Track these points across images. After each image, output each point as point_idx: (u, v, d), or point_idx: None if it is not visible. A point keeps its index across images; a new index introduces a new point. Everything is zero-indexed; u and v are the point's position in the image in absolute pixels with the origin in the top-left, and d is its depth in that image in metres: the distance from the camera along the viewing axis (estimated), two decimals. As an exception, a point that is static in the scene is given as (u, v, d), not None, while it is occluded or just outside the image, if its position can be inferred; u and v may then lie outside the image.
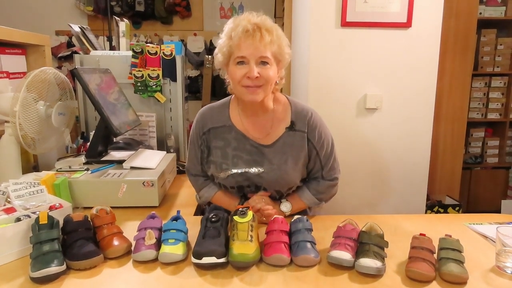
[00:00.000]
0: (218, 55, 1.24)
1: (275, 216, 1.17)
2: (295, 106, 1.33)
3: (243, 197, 1.37)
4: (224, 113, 1.33)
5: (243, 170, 1.29)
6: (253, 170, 1.29)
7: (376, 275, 0.97)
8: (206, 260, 0.98)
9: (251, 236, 1.04)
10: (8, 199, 1.22)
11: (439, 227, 1.28)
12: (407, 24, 1.92)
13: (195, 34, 4.41)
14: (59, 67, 4.29)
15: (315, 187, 1.36)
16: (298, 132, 1.30)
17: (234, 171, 1.30)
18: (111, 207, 1.18)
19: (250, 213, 1.08)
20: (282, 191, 1.34)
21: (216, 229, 1.07)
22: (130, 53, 2.08)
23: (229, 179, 1.31)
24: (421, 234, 1.06)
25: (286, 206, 1.34)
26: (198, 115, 1.37)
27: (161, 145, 2.14)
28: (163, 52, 2.10)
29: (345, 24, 1.91)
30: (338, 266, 1.01)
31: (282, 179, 1.29)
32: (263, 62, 1.18)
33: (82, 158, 1.65)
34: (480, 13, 3.28)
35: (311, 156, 1.32)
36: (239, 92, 1.24)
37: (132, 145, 1.90)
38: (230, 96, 1.38)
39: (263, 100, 1.25)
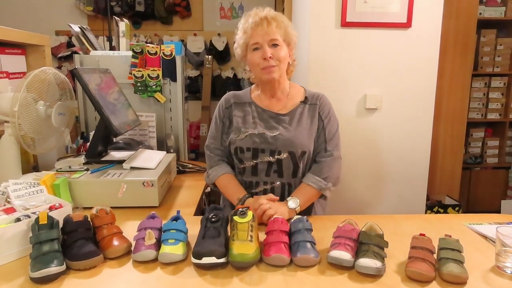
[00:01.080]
0: (238, 49, 1.44)
1: (274, 216, 1.17)
2: (309, 90, 1.52)
3: (248, 186, 1.44)
4: (246, 95, 1.53)
5: (261, 131, 1.42)
6: (270, 133, 1.42)
7: (376, 275, 0.97)
8: (206, 260, 0.98)
9: (251, 236, 1.04)
10: (8, 199, 1.22)
11: (439, 227, 1.28)
12: (407, 24, 1.92)
13: (195, 34, 4.41)
14: (59, 67, 4.29)
15: (317, 169, 1.43)
16: (311, 105, 1.47)
17: (252, 131, 1.42)
18: (111, 207, 1.18)
19: (250, 213, 1.08)
20: (296, 155, 1.40)
21: (216, 229, 1.07)
22: (130, 53, 2.08)
23: (246, 139, 1.42)
24: (421, 234, 1.06)
25: (294, 202, 1.35)
26: (222, 98, 1.55)
27: (161, 145, 2.14)
28: (163, 52, 2.10)
29: (345, 24, 1.91)
30: (338, 266, 1.01)
31: (296, 139, 1.40)
32: (274, 44, 1.37)
33: (82, 158, 1.64)
34: (480, 13, 3.28)
35: (319, 127, 1.45)
36: (259, 74, 1.41)
37: (132, 145, 1.90)
38: (251, 85, 1.57)
39: (280, 82, 1.44)
